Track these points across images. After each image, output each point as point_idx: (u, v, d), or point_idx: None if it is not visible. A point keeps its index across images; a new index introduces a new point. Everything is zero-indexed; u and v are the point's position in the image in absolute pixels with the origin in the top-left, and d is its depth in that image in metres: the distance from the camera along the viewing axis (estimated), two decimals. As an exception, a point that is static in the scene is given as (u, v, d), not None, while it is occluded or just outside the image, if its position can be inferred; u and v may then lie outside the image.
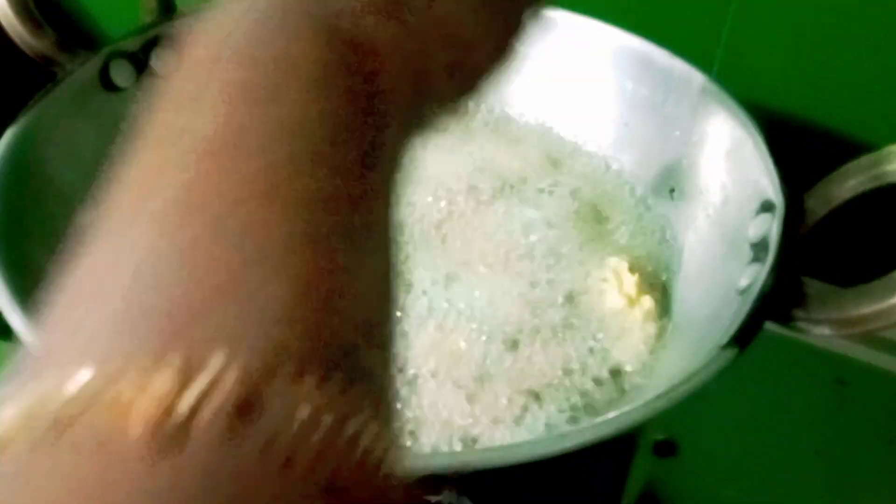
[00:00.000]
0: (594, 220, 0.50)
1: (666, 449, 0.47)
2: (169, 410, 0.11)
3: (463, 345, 0.41)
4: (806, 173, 0.39)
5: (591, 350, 0.41)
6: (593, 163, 0.54)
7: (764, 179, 0.41)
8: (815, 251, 0.38)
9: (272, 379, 0.12)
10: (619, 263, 0.44)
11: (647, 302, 0.43)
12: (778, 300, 0.35)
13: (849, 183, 0.38)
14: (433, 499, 0.40)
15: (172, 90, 0.17)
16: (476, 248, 0.47)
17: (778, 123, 0.47)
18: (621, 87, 0.53)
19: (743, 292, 0.37)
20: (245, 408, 0.12)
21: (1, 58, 0.55)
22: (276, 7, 0.18)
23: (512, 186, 0.51)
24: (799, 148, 0.43)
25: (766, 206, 0.40)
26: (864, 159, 0.38)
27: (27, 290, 0.35)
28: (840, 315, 0.34)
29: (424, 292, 0.44)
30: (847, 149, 0.40)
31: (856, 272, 0.36)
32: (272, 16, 0.17)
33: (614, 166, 0.54)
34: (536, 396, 0.39)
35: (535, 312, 0.43)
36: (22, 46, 0.49)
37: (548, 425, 0.38)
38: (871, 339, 0.52)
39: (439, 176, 0.52)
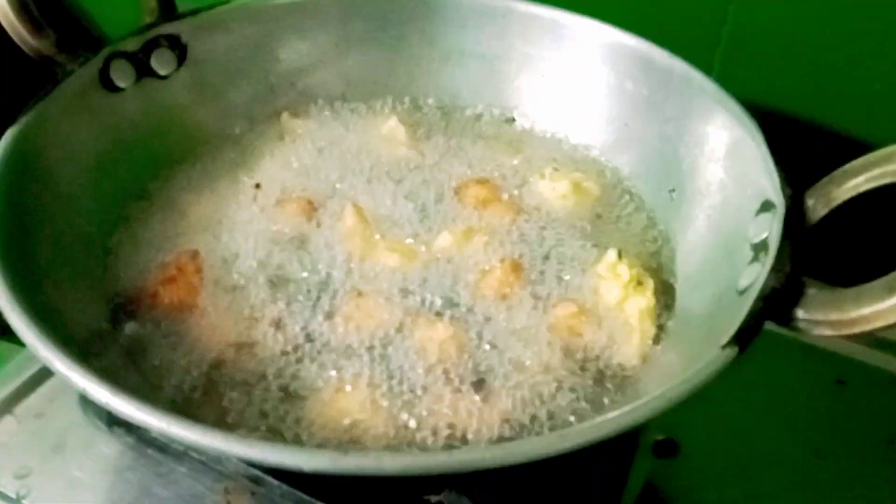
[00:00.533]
0: (594, 219, 0.50)
1: (666, 449, 0.47)
2: None
3: (465, 344, 0.41)
4: (806, 173, 0.39)
5: (591, 350, 0.41)
6: (593, 163, 0.54)
7: (764, 179, 0.41)
8: (815, 251, 0.38)
9: None
10: (618, 262, 0.44)
11: (647, 301, 0.43)
12: (778, 300, 0.35)
13: (849, 183, 0.38)
14: (433, 499, 0.40)
15: None
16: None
17: (778, 123, 0.47)
18: (621, 87, 0.53)
19: (743, 292, 0.37)
20: None
21: (1, 58, 0.55)
22: None
23: (512, 186, 0.51)
24: (799, 148, 0.43)
25: (766, 206, 0.40)
26: (864, 159, 0.38)
27: (27, 290, 0.35)
28: (840, 315, 0.34)
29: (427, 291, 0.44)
30: (847, 149, 0.40)
31: (856, 272, 0.36)
32: None
33: (614, 166, 0.54)
34: (537, 396, 0.39)
35: (536, 311, 0.43)
36: (22, 46, 0.49)
37: (548, 425, 0.38)
38: (871, 339, 0.52)
39: (439, 175, 0.52)
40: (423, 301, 0.43)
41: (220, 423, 0.37)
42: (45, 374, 0.48)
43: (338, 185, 0.51)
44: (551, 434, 0.35)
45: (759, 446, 0.47)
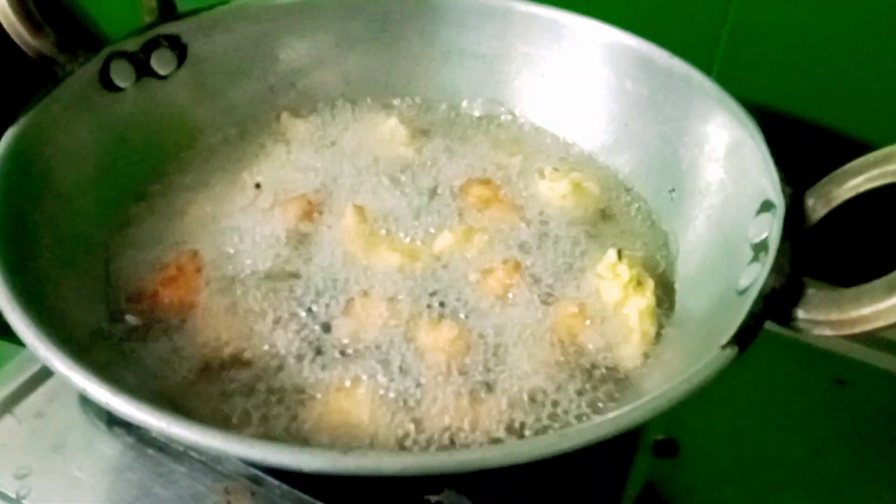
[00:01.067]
0: (594, 219, 0.50)
1: (666, 449, 0.47)
2: None
3: (465, 344, 0.41)
4: (806, 173, 0.39)
5: (591, 350, 0.41)
6: (593, 162, 0.54)
7: (764, 179, 0.41)
8: (815, 251, 0.38)
9: None
10: (618, 262, 0.44)
11: (647, 301, 0.43)
12: (778, 300, 0.35)
13: (849, 183, 0.38)
14: (433, 499, 0.40)
15: None
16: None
17: (778, 123, 0.47)
18: (621, 87, 0.53)
19: (743, 292, 0.37)
20: None
21: (1, 58, 0.55)
22: None
23: (512, 186, 0.51)
24: (799, 148, 0.43)
25: (766, 206, 0.40)
26: (864, 159, 0.38)
27: (27, 290, 0.35)
28: (840, 315, 0.34)
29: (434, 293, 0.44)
30: (847, 149, 0.40)
31: (856, 272, 0.36)
32: None
33: (614, 166, 0.54)
34: (537, 396, 0.39)
35: (536, 311, 0.43)
36: (22, 46, 0.49)
37: (548, 426, 0.38)
38: (871, 339, 0.52)
39: (439, 175, 0.52)
40: (423, 301, 0.43)
41: (221, 422, 0.37)
42: (45, 374, 0.48)
43: (338, 185, 0.51)
44: (551, 434, 0.35)
45: (759, 446, 0.47)
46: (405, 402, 0.38)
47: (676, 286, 0.45)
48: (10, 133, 0.42)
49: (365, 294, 0.43)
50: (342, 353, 0.41)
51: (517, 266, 0.45)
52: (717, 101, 0.46)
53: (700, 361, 0.32)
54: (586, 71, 0.54)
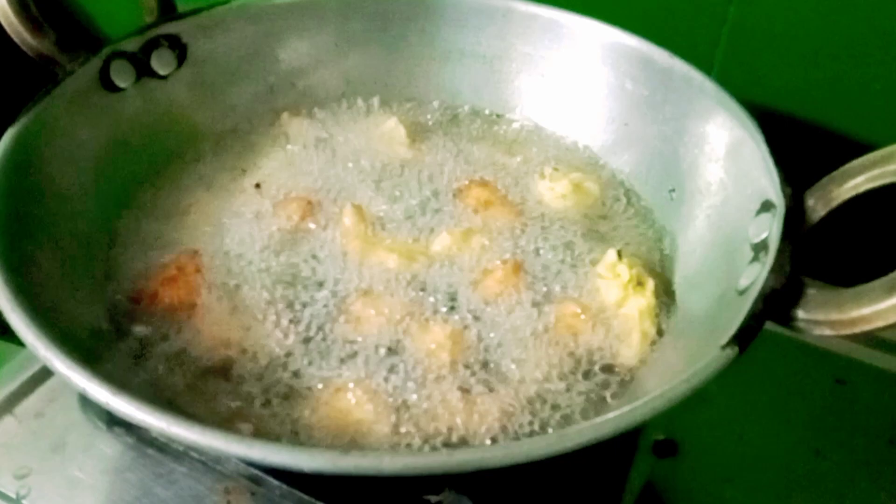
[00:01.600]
0: (594, 219, 0.50)
1: (666, 449, 0.47)
2: None
3: (465, 344, 0.41)
4: (806, 173, 0.39)
5: (591, 350, 0.41)
6: (593, 163, 0.54)
7: (764, 179, 0.41)
8: (815, 251, 0.38)
9: None
10: (618, 262, 0.44)
11: (647, 301, 0.43)
12: (778, 300, 0.35)
13: (849, 183, 0.38)
14: (433, 499, 0.40)
15: None
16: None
17: (778, 123, 0.47)
18: (621, 87, 0.53)
19: (743, 292, 0.37)
20: None
21: (1, 58, 0.55)
22: None
23: (512, 186, 0.51)
24: (799, 148, 0.43)
25: (766, 206, 0.40)
26: (864, 159, 0.38)
27: (27, 290, 0.35)
28: (840, 315, 0.34)
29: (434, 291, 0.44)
30: (847, 149, 0.40)
31: (856, 272, 0.36)
32: None
33: (614, 166, 0.54)
34: (537, 396, 0.39)
35: (536, 312, 0.43)
36: (22, 46, 0.49)
37: (548, 425, 0.38)
38: (871, 339, 0.52)
39: (439, 175, 0.52)
40: (423, 301, 0.43)
41: (221, 422, 0.37)
42: (45, 374, 0.48)
43: (337, 185, 0.51)
44: (551, 434, 0.35)
45: (758, 446, 0.47)
46: (405, 402, 0.38)
47: (676, 286, 0.45)
48: (10, 133, 0.42)
49: (364, 294, 0.43)
50: (342, 353, 0.41)
51: (517, 266, 0.45)
52: (716, 101, 0.46)
53: (700, 361, 0.32)
54: (586, 71, 0.54)
